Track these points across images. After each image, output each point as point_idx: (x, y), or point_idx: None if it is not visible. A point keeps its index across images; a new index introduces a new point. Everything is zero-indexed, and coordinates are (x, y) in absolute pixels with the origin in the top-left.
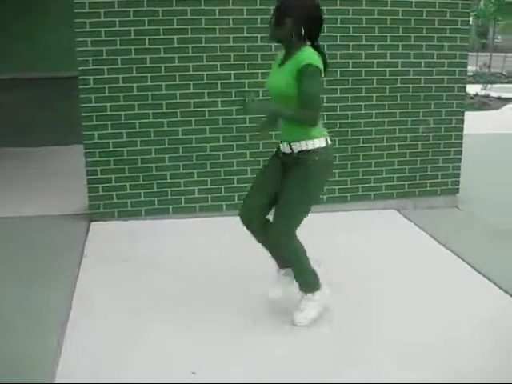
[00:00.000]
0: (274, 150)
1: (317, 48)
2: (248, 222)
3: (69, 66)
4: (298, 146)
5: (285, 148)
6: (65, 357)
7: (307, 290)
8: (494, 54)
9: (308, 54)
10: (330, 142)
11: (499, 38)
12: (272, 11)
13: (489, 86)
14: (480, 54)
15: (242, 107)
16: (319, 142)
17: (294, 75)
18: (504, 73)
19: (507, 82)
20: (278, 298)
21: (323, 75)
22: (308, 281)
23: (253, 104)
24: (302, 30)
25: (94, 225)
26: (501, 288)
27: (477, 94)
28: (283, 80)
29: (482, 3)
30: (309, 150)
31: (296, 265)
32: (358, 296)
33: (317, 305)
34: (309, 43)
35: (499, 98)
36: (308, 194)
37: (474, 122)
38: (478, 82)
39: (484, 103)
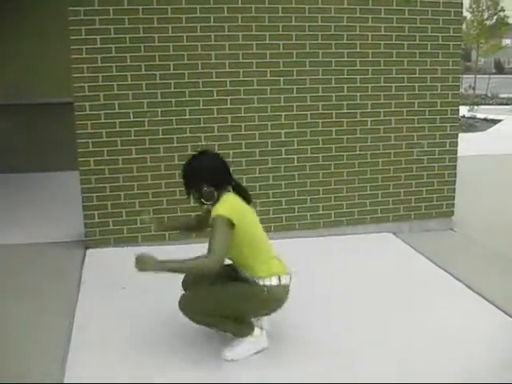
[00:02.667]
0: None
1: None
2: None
3: (61, 92)
4: (251, 279)
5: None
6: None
7: (236, 336)
8: (478, 75)
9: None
10: (284, 282)
11: (482, 60)
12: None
13: (475, 107)
14: (464, 76)
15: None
16: (269, 281)
17: None
18: (489, 94)
19: (492, 104)
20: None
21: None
22: (231, 331)
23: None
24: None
25: (90, 252)
26: (498, 307)
27: (463, 116)
28: None
29: (464, 26)
30: (260, 284)
31: (217, 325)
32: (354, 317)
33: (248, 348)
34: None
35: (485, 120)
36: (236, 302)
37: (462, 144)
38: (464, 104)
39: (471, 125)
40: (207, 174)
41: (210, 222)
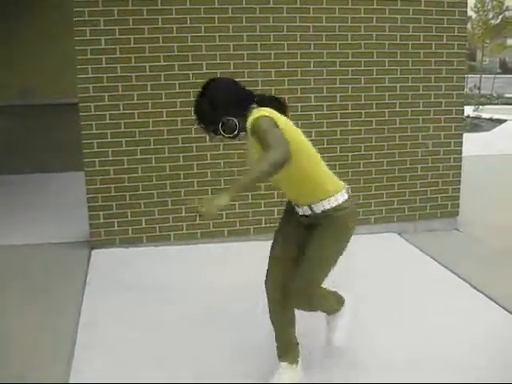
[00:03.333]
0: None
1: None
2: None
3: (66, 93)
4: (321, 206)
5: (304, 211)
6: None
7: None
8: (483, 75)
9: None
10: (350, 193)
11: (487, 60)
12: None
13: (480, 107)
14: (469, 75)
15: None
16: (341, 196)
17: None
18: (494, 94)
19: (497, 103)
20: (341, 342)
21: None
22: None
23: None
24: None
25: (95, 252)
26: (503, 307)
27: (468, 116)
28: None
29: (469, 26)
30: (334, 207)
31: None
32: (358, 316)
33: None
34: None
35: (491, 119)
36: (335, 250)
37: (467, 144)
38: (469, 104)
39: (476, 125)
40: (223, 104)
41: (249, 133)
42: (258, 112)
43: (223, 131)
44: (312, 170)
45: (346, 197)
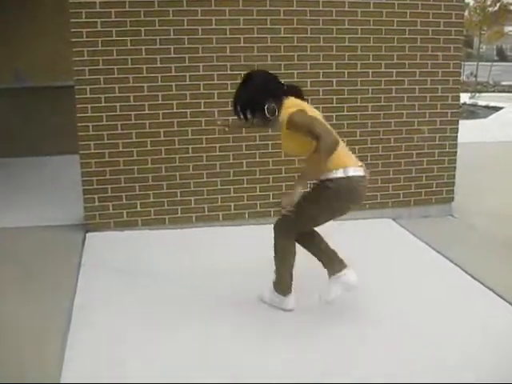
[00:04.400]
0: None
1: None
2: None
3: (61, 76)
4: (321, 177)
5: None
6: (67, 365)
7: (274, 287)
8: (480, 63)
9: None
10: (353, 173)
11: (484, 47)
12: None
13: (476, 94)
14: (466, 63)
15: (278, 208)
16: (339, 173)
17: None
18: (490, 82)
19: (493, 91)
20: (329, 301)
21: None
22: (277, 281)
23: (289, 197)
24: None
25: (90, 235)
26: (497, 294)
27: (465, 103)
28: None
29: (466, 13)
30: (328, 178)
31: (276, 260)
32: (353, 303)
33: (275, 301)
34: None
35: (487, 107)
36: (315, 208)
37: (463, 131)
38: (465, 91)
39: (472, 112)
40: (263, 93)
41: (284, 125)
42: (290, 103)
43: (269, 113)
44: None
45: (342, 174)
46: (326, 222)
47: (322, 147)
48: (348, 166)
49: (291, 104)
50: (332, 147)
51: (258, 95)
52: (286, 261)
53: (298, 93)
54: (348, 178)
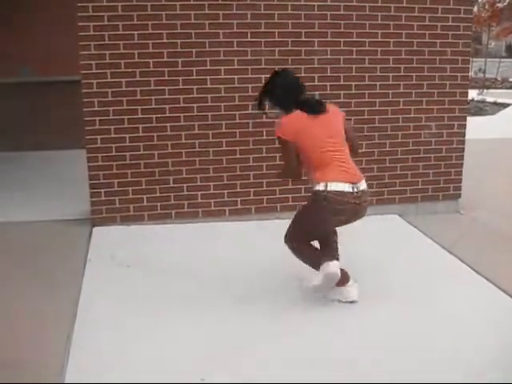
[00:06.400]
0: None
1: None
2: None
3: (67, 71)
4: (313, 186)
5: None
6: (73, 360)
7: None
8: (488, 59)
9: None
10: (334, 188)
11: (492, 44)
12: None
13: (485, 91)
14: (474, 59)
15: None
16: (318, 186)
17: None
18: (499, 78)
19: (502, 87)
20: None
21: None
22: (311, 264)
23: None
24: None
25: (96, 229)
26: (504, 291)
27: (473, 99)
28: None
29: (475, 9)
30: (317, 190)
31: (300, 259)
32: (361, 299)
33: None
34: None
35: (495, 103)
36: (308, 217)
37: (471, 128)
38: (473, 87)
39: (480, 108)
40: (277, 95)
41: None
42: (288, 118)
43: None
44: (313, 160)
45: (321, 188)
46: (324, 230)
47: (281, 174)
48: (331, 180)
49: (287, 120)
50: (287, 176)
51: (282, 95)
52: (308, 254)
53: (311, 109)
54: (328, 191)
